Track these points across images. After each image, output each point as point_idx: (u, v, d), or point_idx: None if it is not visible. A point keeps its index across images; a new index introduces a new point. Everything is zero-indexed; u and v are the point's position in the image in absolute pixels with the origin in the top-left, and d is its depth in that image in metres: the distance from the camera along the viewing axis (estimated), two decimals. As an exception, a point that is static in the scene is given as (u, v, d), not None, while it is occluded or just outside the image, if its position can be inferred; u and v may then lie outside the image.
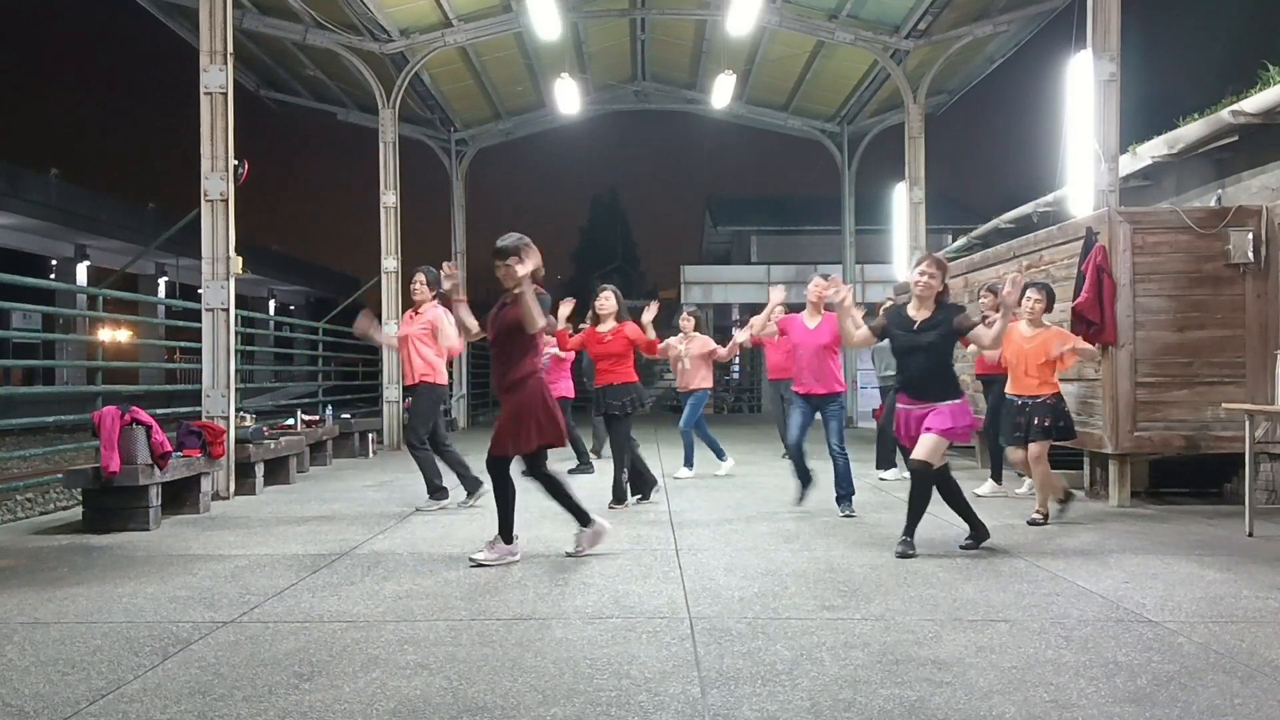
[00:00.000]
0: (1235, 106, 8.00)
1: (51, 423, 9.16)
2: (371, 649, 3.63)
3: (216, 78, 8.00)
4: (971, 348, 6.37)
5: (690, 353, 9.13)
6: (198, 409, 8.11)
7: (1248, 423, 6.17)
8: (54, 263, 33.95)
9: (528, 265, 5.10)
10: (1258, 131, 8.05)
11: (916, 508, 5.37)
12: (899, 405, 5.58)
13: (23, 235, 30.62)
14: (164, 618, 4.11)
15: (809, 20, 14.00)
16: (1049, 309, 6.73)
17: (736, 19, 12.52)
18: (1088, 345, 6.83)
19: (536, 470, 5.31)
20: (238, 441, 8.03)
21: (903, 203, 14.28)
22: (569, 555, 5.34)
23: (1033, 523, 6.40)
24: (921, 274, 5.44)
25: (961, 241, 15.30)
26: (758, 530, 6.24)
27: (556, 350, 9.15)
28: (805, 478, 7.00)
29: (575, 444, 9.91)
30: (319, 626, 3.97)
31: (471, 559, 5.20)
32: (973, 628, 3.90)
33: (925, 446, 5.31)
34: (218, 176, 7.95)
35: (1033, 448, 6.52)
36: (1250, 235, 7.29)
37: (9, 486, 8.81)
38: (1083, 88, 8.41)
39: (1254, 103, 7.79)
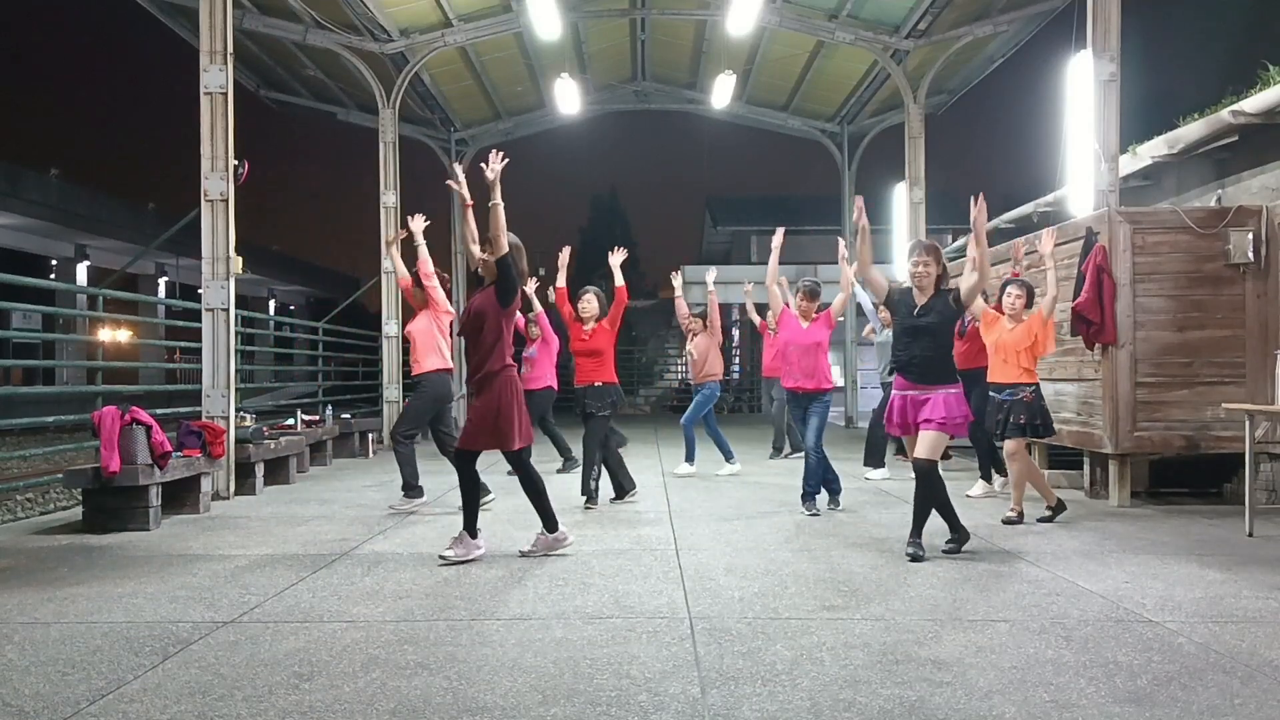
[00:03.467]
0: (1235, 106, 8.00)
1: (51, 423, 9.16)
2: (371, 649, 3.63)
3: (216, 78, 8.00)
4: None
5: (699, 344, 9.39)
6: (198, 409, 8.12)
7: (1248, 423, 6.17)
8: (54, 263, 33.95)
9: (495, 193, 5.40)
10: (1258, 131, 8.06)
11: (924, 508, 5.33)
12: (895, 390, 5.51)
13: (23, 235, 30.62)
14: (164, 618, 4.11)
15: (809, 20, 13.99)
16: (1029, 305, 6.75)
17: (736, 19, 12.50)
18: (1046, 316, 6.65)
19: (521, 466, 5.40)
20: (238, 441, 8.03)
21: (903, 203, 14.27)
22: (521, 554, 5.37)
23: (1008, 521, 6.43)
24: (916, 265, 5.41)
25: (962, 241, 15.31)
26: (758, 530, 6.24)
27: (538, 332, 9.34)
28: (819, 485, 7.00)
29: (557, 442, 9.98)
30: (319, 626, 3.97)
31: (440, 556, 5.23)
32: (973, 628, 3.90)
33: (927, 443, 5.26)
34: (218, 176, 7.95)
35: (1008, 444, 6.56)
36: (1250, 235, 7.29)
37: (9, 486, 8.80)
38: (1083, 88, 8.42)
39: (1254, 103, 7.80)
